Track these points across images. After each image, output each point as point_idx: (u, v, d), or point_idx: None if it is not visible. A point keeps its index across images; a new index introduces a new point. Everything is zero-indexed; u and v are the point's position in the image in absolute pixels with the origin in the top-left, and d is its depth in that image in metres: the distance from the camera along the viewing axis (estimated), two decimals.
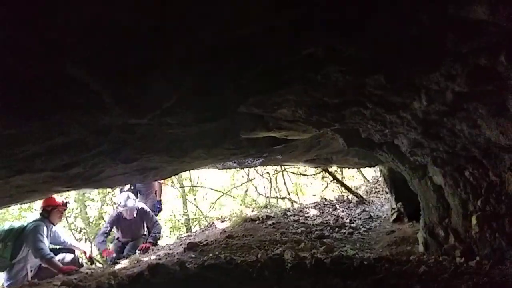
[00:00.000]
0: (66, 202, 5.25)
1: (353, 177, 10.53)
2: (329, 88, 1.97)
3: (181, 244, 5.77)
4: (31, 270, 4.79)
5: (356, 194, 7.43)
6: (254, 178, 9.89)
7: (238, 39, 1.40)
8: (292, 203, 8.87)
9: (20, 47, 1.26)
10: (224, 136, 3.66)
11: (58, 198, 5.12)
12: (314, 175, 9.19)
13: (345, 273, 2.56)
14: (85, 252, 5.48)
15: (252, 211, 7.70)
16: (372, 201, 7.67)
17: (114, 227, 6.01)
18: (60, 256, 5.12)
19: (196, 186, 9.88)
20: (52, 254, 4.63)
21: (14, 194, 4.05)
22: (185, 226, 9.17)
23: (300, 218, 6.31)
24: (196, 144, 3.61)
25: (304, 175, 9.42)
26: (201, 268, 3.11)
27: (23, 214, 9.18)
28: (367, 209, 6.99)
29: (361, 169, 9.92)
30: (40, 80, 1.45)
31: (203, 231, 6.62)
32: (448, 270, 2.58)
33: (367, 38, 1.48)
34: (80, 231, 9.05)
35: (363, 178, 9.84)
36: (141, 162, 3.83)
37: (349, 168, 7.34)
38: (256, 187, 10.00)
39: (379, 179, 9.21)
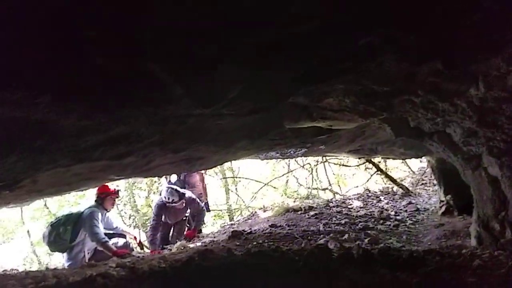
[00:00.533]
0: (118, 190, 5.56)
1: (397, 168, 10.22)
2: (380, 76, 1.93)
3: (224, 232, 5.93)
4: (88, 253, 5.16)
5: (401, 186, 7.21)
6: (295, 169, 9.87)
7: (301, 33, 1.43)
8: (334, 194, 8.77)
9: (108, 46, 1.39)
10: (269, 126, 3.69)
11: (111, 186, 5.45)
12: (357, 166, 9.01)
13: (394, 264, 2.51)
14: (135, 238, 5.80)
15: (294, 202, 7.72)
16: (419, 193, 7.41)
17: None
18: (113, 240, 5.46)
19: (237, 177, 10.04)
20: (106, 238, 4.94)
21: (72, 182, 4.35)
22: (228, 215, 9.39)
23: (343, 209, 6.25)
24: (241, 134, 3.68)
25: (346, 166, 9.26)
26: (247, 255, 3.19)
27: (79, 200, 9.81)
28: (413, 201, 6.77)
29: (407, 160, 9.62)
30: (120, 75, 1.59)
31: (246, 220, 6.75)
32: (505, 265, 2.46)
33: (428, 26, 1.44)
34: (130, 217, 9.54)
35: (408, 169, 9.51)
36: (189, 152, 3.97)
37: (394, 159, 7.12)
38: (297, 178, 9.99)
39: (426, 171, 8.89)
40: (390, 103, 2.58)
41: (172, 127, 2.72)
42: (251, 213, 7.39)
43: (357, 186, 8.85)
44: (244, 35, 1.47)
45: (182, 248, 5.15)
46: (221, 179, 9.29)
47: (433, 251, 2.97)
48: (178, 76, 1.71)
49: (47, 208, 9.91)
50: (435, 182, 7.67)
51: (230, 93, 1.99)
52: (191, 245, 5.35)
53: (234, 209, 9.36)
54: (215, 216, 9.66)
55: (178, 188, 5.85)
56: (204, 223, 6.19)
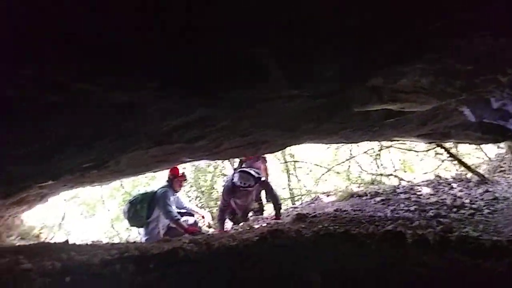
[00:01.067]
0: (184, 173, 5.90)
1: (470, 154, 9.49)
2: (466, 54, 1.82)
3: (288, 215, 6.01)
4: (162, 229, 5.57)
5: (477, 173, 6.70)
6: (358, 154, 9.61)
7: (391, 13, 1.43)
8: (399, 180, 8.41)
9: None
10: (336, 109, 3.65)
11: (181, 169, 5.81)
12: (426, 151, 8.51)
13: (474, 252, 2.40)
14: (203, 217, 6.12)
15: (358, 187, 7.56)
16: (497, 181, 6.84)
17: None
18: (184, 218, 5.83)
19: (299, 161, 10.04)
20: (179, 216, 5.29)
21: (149, 163, 4.71)
22: (290, 200, 9.49)
23: (412, 196, 5.99)
24: (307, 118, 3.69)
25: (414, 151, 8.78)
26: (316, 236, 3.23)
27: (150, 182, 10.55)
28: (490, 189, 6.27)
29: (482, 145, 8.89)
30: (221, 61, 1.71)
31: (309, 204, 6.77)
32: None
33: None
34: (196, 198, 10.05)
35: (484, 155, 8.79)
36: (255, 136, 4.08)
37: (469, 143, 6.63)
38: (359, 164, 9.72)
39: (506, 157, 8.16)
40: (472, 82, 2.42)
41: (246, 111, 2.81)
42: (314, 197, 7.39)
43: (426, 173, 8.39)
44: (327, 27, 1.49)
45: (248, 228, 5.33)
46: (282, 163, 9.32)
47: None
48: (280, 60, 1.77)
49: (123, 187, 10.79)
50: None
51: (320, 77, 2.02)
52: (256, 226, 5.51)
53: (297, 194, 9.40)
54: None
55: (253, 172, 5.72)
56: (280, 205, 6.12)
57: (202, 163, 9.63)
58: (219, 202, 6.51)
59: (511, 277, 1.99)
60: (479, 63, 2.05)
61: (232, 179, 5.73)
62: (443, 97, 3.02)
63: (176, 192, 5.81)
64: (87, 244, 5.00)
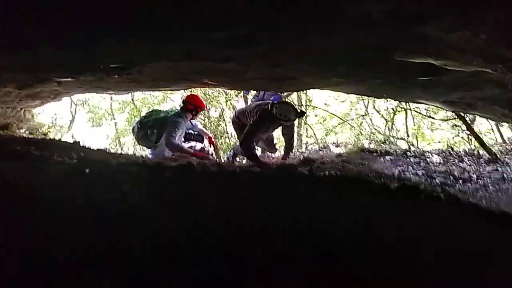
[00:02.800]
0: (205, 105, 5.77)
1: (484, 133, 9.39)
2: None
3: (295, 158, 6.05)
4: (170, 153, 5.59)
5: (489, 150, 6.65)
6: (373, 113, 9.50)
7: None
8: (409, 146, 8.39)
9: None
10: (374, 55, 3.48)
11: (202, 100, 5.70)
12: (445, 120, 8.37)
13: (487, 215, 2.43)
14: (210, 138, 6.10)
15: (370, 144, 7.55)
16: (507, 162, 6.81)
17: None
18: (192, 143, 5.85)
19: (314, 107, 9.93)
20: (181, 145, 5.17)
21: (170, 79, 4.62)
22: (298, 145, 9.54)
23: (422, 161, 5.98)
24: (344, 59, 3.53)
25: (432, 118, 8.63)
26: (323, 176, 3.27)
27: (161, 103, 10.53)
28: (499, 169, 6.25)
29: (500, 125, 8.76)
30: None
31: (317, 151, 6.80)
32: None
33: None
34: (204, 126, 10.11)
35: (499, 136, 8.70)
36: (285, 69, 3.95)
37: (492, 119, 6.49)
38: (372, 122, 9.64)
39: None
40: None
41: (287, 37, 2.66)
42: (323, 145, 7.40)
43: (439, 141, 8.34)
44: None
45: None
46: (301, 105, 9.16)
47: None
48: None
49: (133, 103, 10.80)
50: None
51: None
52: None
53: (306, 142, 9.41)
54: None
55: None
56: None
57: (215, 91, 9.50)
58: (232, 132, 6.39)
59: None
60: None
61: (268, 108, 5.00)
62: (492, 60, 2.87)
63: (189, 119, 5.72)
64: (97, 149, 5.11)
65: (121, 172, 2.53)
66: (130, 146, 10.52)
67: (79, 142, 4.96)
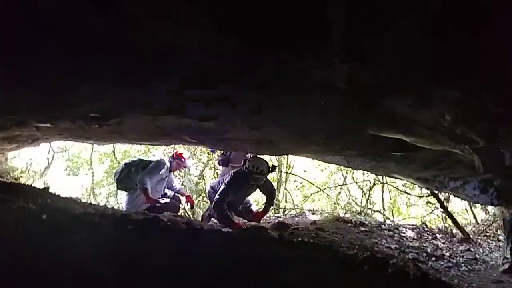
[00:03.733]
0: (187, 160, 5.86)
1: (457, 213, 9.54)
2: (505, 91, 1.80)
3: (269, 222, 5.96)
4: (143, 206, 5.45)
5: (462, 230, 6.71)
6: (352, 183, 9.63)
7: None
8: (385, 219, 8.41)
9: None
10: (350, 126, 3.62)
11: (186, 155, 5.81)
12: (419, 196, 8.53)
13: None
14: (189, 196, 6.04)
15: (345, 214, 7.54)
16: (480, 243, 6.84)
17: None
18: (166, 200, 5.72)
19: (293, 174, 10.01)
20: (148, 186, 5.14)
21: (151, 133, 4.65)
22: (274, 209, 9.43)
23: (395, 235, 5.98)
24: (320, 127, 3.66)
25: (408, 193, 8.80)
26: (296, 245, 3.20)
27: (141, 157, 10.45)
28: (472, 249, 6.27)
29: (474, 207, 8.94)
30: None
31: (293, 217, 6.73)
32: None
33: None
34: (182, 184, 9.96)
35: (472, 217, 8.83)
36: (263, 132, 4.04)
37: (464, 199, 6.63)
38: (351, 193, 9.74)
39: (493, 224, 8.20)
40: (496, 130, 2.40)
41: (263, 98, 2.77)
42: (300, 212, 7.36)
43: (414, 217, 8.40)
44: None
45: None
46: (277, 172, 9.19)
47: None
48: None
49: (114, 155, 10.69)
50: (500, 237, 7.08)
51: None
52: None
53: (283, 207, 9.33)
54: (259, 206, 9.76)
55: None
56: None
57: (198, 149, 9.56)
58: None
59: None
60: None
61: (243, 166, 5.14)
62: (459, 141, 3.01)
63: (172, 172, 5.78)
64: (66, 197, 4.94)
65: (81, 221, 2.44)
66: (104, 198, 10.19)
67: (48, 188, 4.82)
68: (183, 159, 5.71)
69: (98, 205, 5.80)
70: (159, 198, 5.51)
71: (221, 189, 5.00)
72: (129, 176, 5.39)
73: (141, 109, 3.16)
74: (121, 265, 1.64)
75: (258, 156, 5.32)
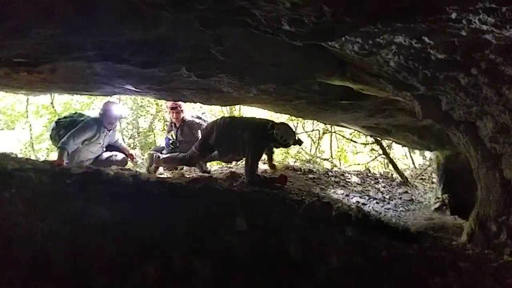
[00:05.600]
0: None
1: (398, 159, 10.25)
2: (447, 38, 1.82)
3: (221, 173, 5.98)
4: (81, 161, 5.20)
5: (401, 174, 7.23)
6: (302, 132, 9.86)
7: None
8: (332, 166, 8.81)
9: None
10: (297, 74, 3.58)
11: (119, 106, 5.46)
12: (364, 144, 8.98)
13: (389, 233, 2.56)
14: (131, 155, 5.86)
15: (295, 162, 7.76)
16: (416, 186, 7.45)
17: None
18: (113, 153, 5.54)
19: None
20: (65, 146, 4.87)
21: (89, 82, 4.31)
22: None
23: (341, 181, 6.29)
24: (268, 75, 3.59)
25: (353, 141, 9.21)
26: (247, 192, 3.23)
27: (83, 109, 9.84)
28: (409, 191, 6.82)
29: (412, 153, 9.61)
30: None
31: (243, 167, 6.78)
32: (494, 262, 2.51)
33: None
34: (130, 137, 9.61)
35: (411, 162, 9.52)
36: (211, 81, 3.89)
37: (404, 146, 7.08)
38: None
39: (428, 168, 8.92)
40: (436, 77, 2.48)
41: (210, 47, 2.62)
42: None
43: (358, 164, 8.89)
44: None
45: (180, 176, 5.22)
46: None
47: (427, 234, 3.03)
48: None
49: (53, 107, 9.94)
50: (434, 180, 7.73)
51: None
52: (188, 175, 5.42)
53: None
54: None
55: None
56: None
57: (146, 100, 9.16)
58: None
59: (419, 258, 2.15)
60: (456, 54, 2.04)
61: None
62: (401, 87, 3.10)
63: (107, 129, 5.39)
64: None
65: (12, 176, 2.24)
66: (45, 153, 9.59)
67: None
68: (108, 109, 5.36)
69: (37, 161, 5.47)
70: (98, 156, 5.34)
71: (249, 161, 4.66)
72: (59, 138, 5.06)
73: (73, 55, 2.86)
74: (55, 221, 1.54)
75: (285, 123, 4.97)
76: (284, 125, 4.89)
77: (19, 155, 6.59)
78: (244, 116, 5.29)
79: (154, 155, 5.67)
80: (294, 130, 4.93)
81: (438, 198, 5.98)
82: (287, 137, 4.65)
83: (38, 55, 2.82)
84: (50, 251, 1.39)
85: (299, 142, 5.08)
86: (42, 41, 2.37)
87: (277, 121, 5.24)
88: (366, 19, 1.81)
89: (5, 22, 1.97)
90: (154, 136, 9.78)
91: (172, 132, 6.01)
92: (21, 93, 6.55)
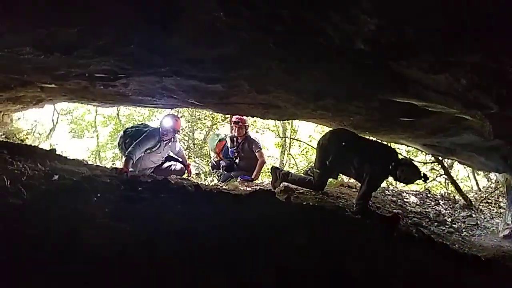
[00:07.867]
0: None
1: (460, 180, 9.60)
2: None
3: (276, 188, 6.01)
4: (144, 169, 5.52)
5: (465, 197, 6.77)
6: None
7: None
8: (389, 185, 8.48)
9: None
10: (357, 91, 3.55)
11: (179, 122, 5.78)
12: (424, 163, 8.56)
13: (457, 259, 2.43)
14: (189, 166, 6.10)
15: (349, 179, 7.59)
16: (481, 210, 6.93)
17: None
18: (172, 163, 5.83)
19: (296, 139, 10.03)
20: (131, 156, 5.07)
21: (156, 95, 4.59)
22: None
23: (398, 200, 6.04)
24: (329, 91, 3.59)
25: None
26: (304, 206, 3.23)
27: (146, 121, 10.46)
28: (473, 215, 6.36)
29: (477, 173, 8.98)
30: None
31: None
32: None
33: None
34: (187, 148, 10.02)
35: (475, 184, 8.89)
36: (270, 96, 3.98)
37: (469, 166, 6.66)
38: None
39: (495, 191, 8.27)
40: (510, 96, 2.35)
41: (275, 61, 2.70)
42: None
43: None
44: None
45: (234, 188, 5.33)
46: (285, 136, 9.22)
47: (499, 263, 2.82)
48: None
49: (118, 118, 10.69)
50: (501, 204, 7.16)
51: None
52: (242, 188, 5.52)
53: (289, 170, 9.45)
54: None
55: None
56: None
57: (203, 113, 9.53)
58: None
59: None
60: None
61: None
62: (471, 106, 2.95)
63: (163, 140, 5.65)
64: (72, 159, 4.97)
65: (92, 180, 2.46)
66: (109, 161, 10.30)
67: (55, 150, 4.84)
68: (163, 122, 5.59)
69: (105, 167, 5.90)
70: (158, 165, 5.67)
71: (364, 191, 4.52)
72: (125, 146, 5.43)
73: (147, 70, 3.09)
74: (136, 222, 1.67)
75: (411, 163, 4.75)
76: (410, 168, 4.51)
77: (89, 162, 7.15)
78: (360, 137, 4.95)
79: (277, 170, 5.45)
80: (419, 169, 4.56)
81: (508, 224, 5.53)
82: (410, 179, 4.51)
83: (118, 70, 3.08)
84: (130, 251, 1.51)
85: (425, 179, 4.58)
86: (123, 58, 2.60)
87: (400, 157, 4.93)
88: (444, 39, 1.78)
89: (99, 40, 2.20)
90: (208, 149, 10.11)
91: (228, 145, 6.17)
92: (93, 104, 7.14)
